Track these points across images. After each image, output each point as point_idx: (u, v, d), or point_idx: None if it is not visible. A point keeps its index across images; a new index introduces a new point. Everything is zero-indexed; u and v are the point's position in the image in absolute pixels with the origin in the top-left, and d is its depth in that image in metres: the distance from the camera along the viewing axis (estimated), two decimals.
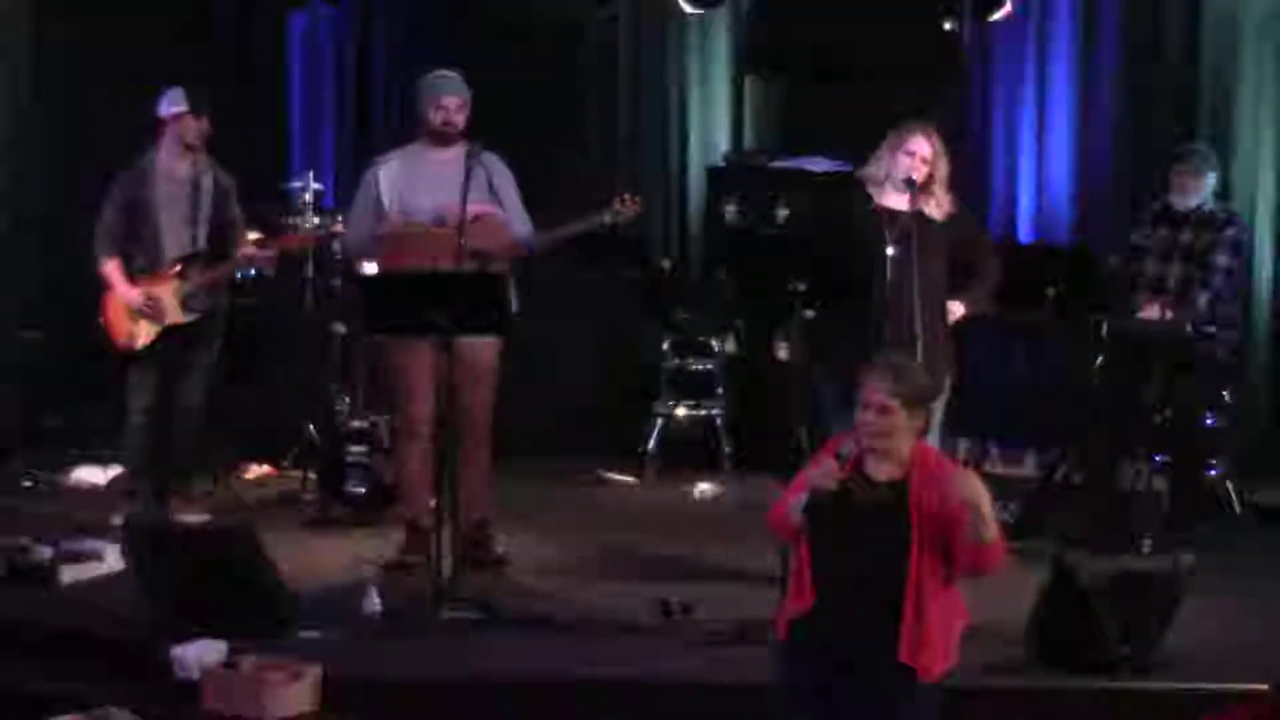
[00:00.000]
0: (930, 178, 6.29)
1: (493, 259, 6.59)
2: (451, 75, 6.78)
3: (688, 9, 9.38)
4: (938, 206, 6.34)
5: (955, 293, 6.40)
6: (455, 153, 6.68)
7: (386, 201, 6.74)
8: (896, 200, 6.28)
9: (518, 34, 9.19)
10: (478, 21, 9.43)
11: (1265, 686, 5.00)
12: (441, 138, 6.71)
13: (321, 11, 10.01)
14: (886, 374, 4.70)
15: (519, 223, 6.78)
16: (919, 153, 6.27)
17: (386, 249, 6.72)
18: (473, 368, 6.63)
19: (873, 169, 6.38)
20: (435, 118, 6.70)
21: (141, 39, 9.31)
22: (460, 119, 6.72)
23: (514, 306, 6.66)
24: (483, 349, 6.69)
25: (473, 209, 6.56)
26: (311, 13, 10.02)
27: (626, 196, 6.78)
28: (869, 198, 6.37)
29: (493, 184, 6.73)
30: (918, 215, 6.25)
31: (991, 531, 4.51)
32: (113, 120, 9.11)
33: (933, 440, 6.21)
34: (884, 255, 6.14)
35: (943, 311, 6.34)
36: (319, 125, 10.03)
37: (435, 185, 6.63)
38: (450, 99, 6.71)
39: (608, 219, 6.73)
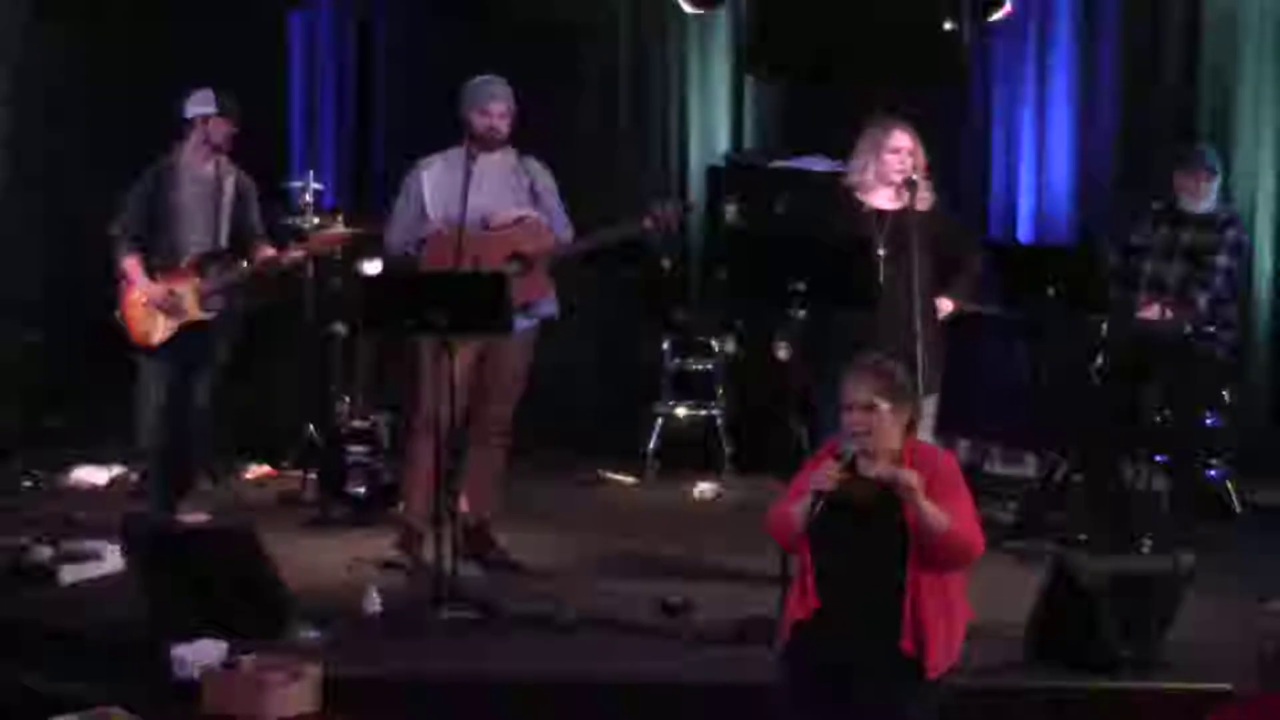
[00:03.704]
0: (914, 171, 6.29)
1: (532, 261, 6.60)
2: (498, 81, 6.73)
3: (688, 9, 9.37)
4: (921, 200, 6.32)
5: (941, 289, 6.40)
6: (499, 157, 6.70)
7: (429, 204, 6.73)
8: (886, 200, 6.28)
9: (517, 33, 9.19)
10: (477, 21, 9.43)
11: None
12: (485, 143, 6.69)
13: (321, 11, 10.01)
14: (865, 372, 4.74)
15: (559, 227, 6.77)
16: (904, 147, 6.27)
17: (429, 251, 6.69)
18: (506, 372, 6.69)
19: (858, 174, 6.38)
20: (480, 124, 6.66)
21: (141, 39, 9.32)
22: (505, 125, 6.69)
23: (553, 310, 6.68)
24: (518, 354, 6.71)
25: (515, 212, 6.63)
26: (311, 13, 10.02)
27: (668, 204, 6.72)
28: (860, 202, 6.36)
29: (535, 188, 6.73)
30: (907, 212, 6.24)
31: (934, 515, 4.54)
32: (112, 120, 9.13)
33: (925, 439, 6.24)
34: (876, 255, 6.12)
35: (934, 309, 6.35)
36: (319, 125, 10.03)
37: (478, 189, 6.59)
38: (496, 105, 6.68)
39: (648, 225, 6.67)
